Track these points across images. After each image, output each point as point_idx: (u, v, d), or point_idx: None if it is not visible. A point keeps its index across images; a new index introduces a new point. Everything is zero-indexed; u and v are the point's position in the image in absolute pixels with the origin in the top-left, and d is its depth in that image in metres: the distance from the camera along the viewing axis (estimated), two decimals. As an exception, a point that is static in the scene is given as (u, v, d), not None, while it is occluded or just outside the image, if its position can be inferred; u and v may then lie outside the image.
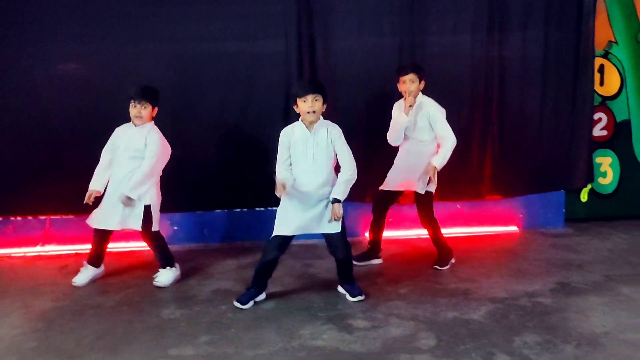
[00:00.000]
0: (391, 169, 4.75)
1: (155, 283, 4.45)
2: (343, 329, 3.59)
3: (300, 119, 3.96)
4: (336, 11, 5.22)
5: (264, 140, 5.32)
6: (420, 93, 4.55)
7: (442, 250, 4.72)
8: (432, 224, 4.69)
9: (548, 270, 4.57)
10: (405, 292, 4.19)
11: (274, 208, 5.47)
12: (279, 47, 5.25)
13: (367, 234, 4.97)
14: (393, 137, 4.63)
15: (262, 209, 5.56)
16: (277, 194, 3.92)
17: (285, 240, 4.01)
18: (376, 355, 3.24)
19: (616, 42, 5.78)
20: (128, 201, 4.30)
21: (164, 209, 5.35)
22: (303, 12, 5.19)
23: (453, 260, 4.74)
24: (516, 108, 5.48)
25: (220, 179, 5.40)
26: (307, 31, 5.23)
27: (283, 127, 5.28)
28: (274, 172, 4.04)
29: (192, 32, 5.20)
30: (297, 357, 3.25)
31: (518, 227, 5.75)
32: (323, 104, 3.89)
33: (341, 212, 3.91)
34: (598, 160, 5.92)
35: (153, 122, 4.46)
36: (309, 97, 3.81)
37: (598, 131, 5.88)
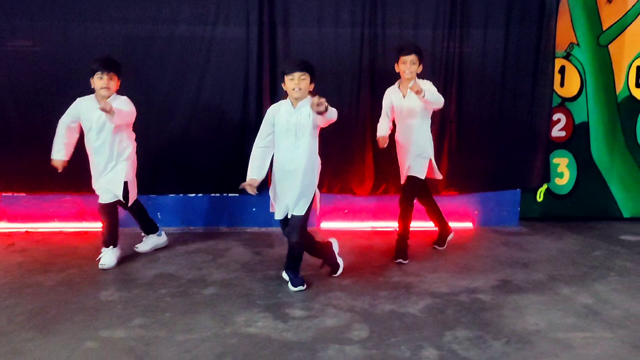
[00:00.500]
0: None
1: (101, 266, 4.42)
2: (278, 317, 3.59)
3: (287, 97, 3.93)
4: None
5: (219, 127, 5.30)
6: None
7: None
8: (410, 209, 4.74)
9: (493, 268, 4.60)
10: (348, 283, 4.19)
11: (230, 195, 5.53)
12: (240, 34, 5.21)
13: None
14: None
15: (218, 195, 5.54)
16: (249, 191, 3.95)
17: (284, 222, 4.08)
18: (306, 344, 3.24)
19: (578, 44, 5.80)
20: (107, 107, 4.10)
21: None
22: (265, -1, 5.16)
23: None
24: (474, 105, 5.48)
25: (176, 164, 5.37)
26: (269, 18, 5.19)
27: (241, 114, 5.32)
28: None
29: (148, 14, 5.15)
30: (227, 343, 3.24)
31: (473, 224, 5.78)
32: (310, 83, 3.88)
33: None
34: (555, 160, 5.96)
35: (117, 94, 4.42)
36: (296, 75, 3.78)
37: (556, 132, 5.91)
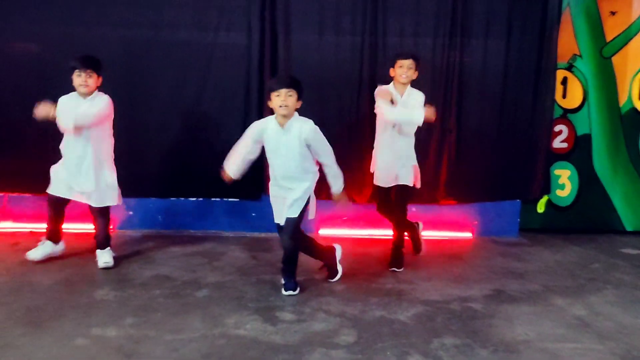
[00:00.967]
0: (378, 164, 4.72)
1: (105, 264, 4.51)
2: (268, 320, 3.62)
3: (274, 115, 3.95)
4: (299, 7, 5.25)
5: (219, 132, 5.36)
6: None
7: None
8: (404, 217, 4.75)
9: (488, 277, 4.60)
10: (341, 289, 4.22)
11: (229, 200, 5.59)
12: (242, 40, 5.28)
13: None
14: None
15: (217, 199, 5.60)
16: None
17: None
18: (292, 347, 3.27)
19: (580, 56, 5.81)
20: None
21: (149, 194, 5.43)
22: (267, 6, 5.23)
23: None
24: (474, 115, 5.50)
25: (175, 168, 5.44)
26: (270, 25, 5.27)
27: (242, 120, 5.37)
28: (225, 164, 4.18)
29: (150, 19, 5.25)
30: (214, 344, 3.28)
31: (472, 234, 5.78)
32: (298, 100, 3.87)
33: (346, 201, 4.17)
34: (557, 172, 5.96)
35: (98, 91, 4.44)
36: (282, 92, 3.78)
37: (558, 143, 5.91)
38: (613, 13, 5.74)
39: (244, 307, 3.82)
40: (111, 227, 5.41)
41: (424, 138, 5.43)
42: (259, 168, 5.40)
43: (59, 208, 4.60)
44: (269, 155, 4.02)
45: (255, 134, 4.02)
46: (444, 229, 5.75)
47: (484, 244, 5.58)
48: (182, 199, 5.58)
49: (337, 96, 5.35)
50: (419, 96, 4.52)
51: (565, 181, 6.00)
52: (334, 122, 5.21)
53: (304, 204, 4.02)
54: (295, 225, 4.02)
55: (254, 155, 4.12)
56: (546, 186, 5.78)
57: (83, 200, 4.51)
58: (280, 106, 3.81)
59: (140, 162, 5.26)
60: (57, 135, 4.74)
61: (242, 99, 5.36)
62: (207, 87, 5.30)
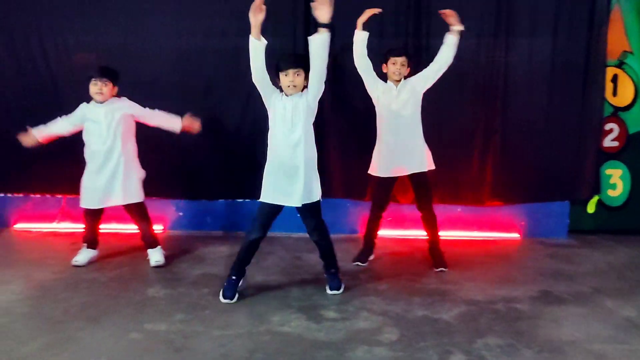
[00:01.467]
0: (378, 153, 4.68)
1: (156, 263, 4.72)
2: (312, 318, 3.70)
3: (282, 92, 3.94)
4: (342, 11, 5.28)
5: (265, 135, 5.45)
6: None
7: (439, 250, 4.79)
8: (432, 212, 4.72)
9: (535, 279, 4.55)
10: (384, 288, 4.26)
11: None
12: (287, 45, 5.37)
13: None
14: None
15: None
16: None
17: (269, 217, 4.04)
18: (335, 344, 3.34)
19: (632, 52, 5.66)
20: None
21: (170, 195, 5.61)
22: (309, 11, 5.29)
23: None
24: (521, 115, 5.43)
25: (223, 170, 5.59)
26: (314, 30, 5.32)
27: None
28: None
29: (200, 28, 5.42)
30: (260, 340, 3.38)
31: (519, 235, 5.72)
32: (305, 79, 3.87)
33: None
34: (608, 172, 5.82)
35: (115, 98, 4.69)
36: (290, 71, 3.80)
37: (609, 142, 5.77)
38: (666, 8, 5.59)
39: (289, 306, 3.91)
40: (161, 227, 5.65)
41: (468, 138, 5.43)
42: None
43: (95, 217, 4.82)
44: (273, 124, 3.95)
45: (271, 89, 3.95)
46: (489, 230, 5.70)
47: (531, 245, 5.51)
48: (230, 200, 5.72)
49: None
50: (414, 79, 4.60)
51: (616, 181, 5.86)
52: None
53: (319, 187, 3.99)
54: (319, 212, 4.03)
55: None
56: (596, 186, 5.66)
57: (115, 204, 4.71)
58: (289, 86, 3.83)
59: (190, 164, 5.43)
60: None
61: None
62: (255, 92, 5.40)
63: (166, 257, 4.82)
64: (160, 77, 5.40)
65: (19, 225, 5.84)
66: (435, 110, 5.15)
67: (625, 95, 5.74)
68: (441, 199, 5.37)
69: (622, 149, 5.81)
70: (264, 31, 5.35)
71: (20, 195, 5.84)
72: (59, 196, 5.80)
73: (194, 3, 5.38)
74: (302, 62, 3.87)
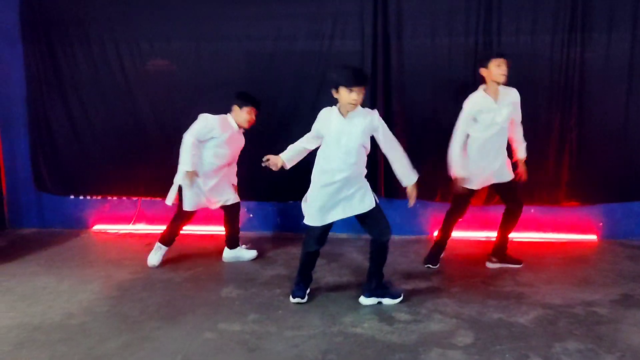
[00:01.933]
0: (467, 166, 4.58)
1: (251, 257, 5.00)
2: (384, 320, 3.69)
3: (337, 106, 3.84)
4: (410, 10, 5.27)
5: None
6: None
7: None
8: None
9: (615, 281, 4.37)
10: (457, 291, 4.19)
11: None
12: (355, 47, 5.39)
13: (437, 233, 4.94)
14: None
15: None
16: (272, 166, 4.15)
17: (323, 231, 3.97)
18: (409, 347, 3.31)
19: None
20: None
21: (240, 197, 5.73)
22: (379, 12, 5.30)
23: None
24: (598, 113, 5.22)
25: (294, 172, 5.61)
26: (383, 31, 5.33)
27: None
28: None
29: (270, 32, 5.50)
30: (332, 341, 3.40)
31: (597, 236, 5.50)
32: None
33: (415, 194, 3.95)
34: (695, 170, 5.52)
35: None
36: (356, 89, 3.67)
37: (691, 139, 5.48)
38: None
39: (361, 307, 3.91)
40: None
41: (543, 137, 5.27)
42: (373, 172, 5.50)
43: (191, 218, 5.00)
44: (326, 144, 3.89)
45: (322, 119, 3.93)
46: (565, 231, 5.52)
47: (610, 246, 5.29)
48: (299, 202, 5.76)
49: (453, 98, 5.29)
50: (515, 95, 4.50)
51: (702, 179, 5.55)
52: (446, 125, 5.16)
53: (371, 192, 3.95)
54: (383, 214, 3.96)
55: (312, 146, 4.07)
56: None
57: (217, 206, 4.92)
58: (352, 103, 3.72)
59: (260, 168, 5.49)
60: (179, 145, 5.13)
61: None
62: (322, 94, 5.44)
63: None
64: (232, 81, 5.51)
65: (98, 227, 6.09)
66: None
67: None
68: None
69: None
70: (332, 34, 5.44)
71: (99, 197, 6.09)
72: (135, 198, 6.01)
73: (264, 7, 5.48)
74: (368, 81, 3.89)
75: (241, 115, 4.75)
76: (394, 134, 5.41)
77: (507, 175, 4.59)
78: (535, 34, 5.17)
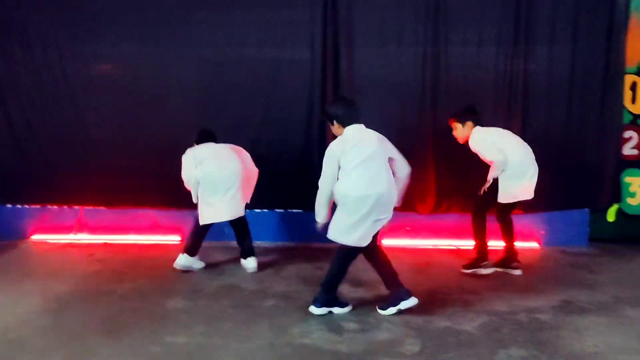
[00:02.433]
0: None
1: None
2: (333, 329, 3.68)
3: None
4: (360, 20, 5.32)
5: (284, 145, 5.47)
6: None
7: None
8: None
9: (556, 288, 4.50)
10: (405, 299, 4.23)
11: (295, 210, 5.70)
12: (305, 54, 5.40)
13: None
14: None
15: (283, 210, 5.72)
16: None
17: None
18: (357, 356, 3.32)
19: (650, 60, 5.63)
20: None
21: (187, 207, 5.63)
22: (329, 21, 5.33)
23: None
24: (540, 123, 5.40)
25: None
26: (333, 40, 5.36)
27: (304, 133, 5.47)
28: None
29: (219, 38, 5.45)
30: (281, 352, 3.36)
31: (539, 244, 5.67)
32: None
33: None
34: (627, 180, 5.77)
35: None
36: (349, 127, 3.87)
37: (628, 150, 5.73)
38: (683, 15, 5.55)
39: (311, 317, 3.89)
40: (179, 238, 5.65)
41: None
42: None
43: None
44: (350, 168, 3.81)
45: (337, 155, 3.84)
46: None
47: (551, 254, 5.46)
48: (248, 211, 5.71)
49: (399, 107, 5.39)
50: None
51: (636, 189, 5.80)
52: (396, 133, 5.21)
53: None
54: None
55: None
56: (616, 194, 5.60)
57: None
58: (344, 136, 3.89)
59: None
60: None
61: (305, 112, 5.48)
62: (273, 101, 5.43)
63: (185, 269, 4.85)
64: (181, 87, 5.44)
65: (37, 237, 5.86)
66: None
67: (644, 102, 5.71)
68: (462, 209, 5.34)
69: (642, 157, 5.76)
70: (282, 42, 5.43)
71: (38, 206, 5.86)
72: (77, 207, 5.82)
73: (214, 13, 5.42)
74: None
75: None
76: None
77: None
78: (481, 46, 5.30)
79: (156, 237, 5.74)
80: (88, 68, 5.53)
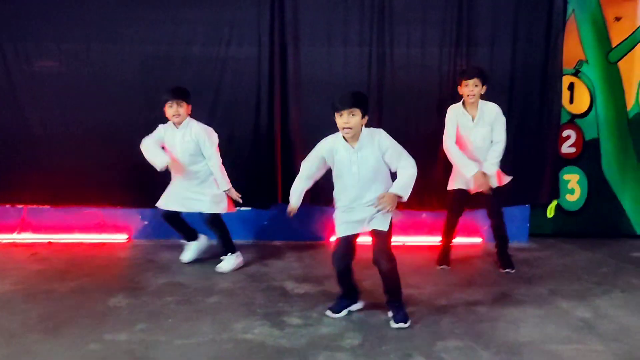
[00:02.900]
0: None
1: (217, 268, 4.82)
2: (275, 325, 3.72)
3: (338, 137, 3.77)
4: (307, 20, 5.37)
5: (232, 143, 5.46)
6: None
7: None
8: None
9: (496, 282, 4.64)
10: (348, 294, 4.30)
11: (242, 209, 5.70)
12: (252, 53, 5.42)
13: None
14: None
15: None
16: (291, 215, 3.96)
17: (349, 247, 3.87)
18: (298, 351, 3.36)
19: (587, 61, 5.85)
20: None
21: (133, 205, 5.57)
22: (276, 19, 5.36)
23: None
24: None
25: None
26: (280, 38, 5.40)
27: (252, 132, 5.48)
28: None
29: (165, 35, 5.42)
30: (222, 348, 3.38)
31: (482, 239, 5.82)
32: (363, 117, 3.63)
33: (392, 204, 3.66)
34: (566, 177, 5.98)
35: (189, 117, 4.76)
36: (345, 112, 3.56)
37: (566, 148, 5.94)
38: (618, 19, 5.78)
39: (253, 313, 3.92)
40: (126, 236, 5.60)
41: (432, 145, 5.50)
42: (271, 178, 5.54)
43: (171, 221, 4.94)
44: (339, 175, 3.79)
45: (324, 151, 3.79)
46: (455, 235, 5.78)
47: (493, 249, 5.59)
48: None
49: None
50: (494, 110, 4.74)
51: (574, 186, 6.02)
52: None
53: (390, 216, 3.79)
54: (389, 240, 3.81)
55: (315, 180, 3.97)
56: (555, 191, 5.80)
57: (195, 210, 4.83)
58: (344, 128, 3.61)
59: (155, 173, 5.39)
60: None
61: (253, 110, 5.49)
62: (220, 100, 5.41)
63: (130, 267, 4.80)
64: (126, 85, 5.39)
65: (-22, 237, 5.72)
66: (400, 117, 5.32)
67: (581, 102, 5.92)
68: (407, 205, 5.40)
69: (579, 155, 5.98)
70: (229, 41, 5.44)
71: (-21, 205, 5.72)
72: (20, 206, 5.70)
73: (160, 10, 5.38)
74: (358, 102, 3.61)
75: (167, 112, 4.70)
76: (289, 139, 5.53)
77: None
78: (424, 47, 5.41)
79: (102, 236, 5.67)
80: (30, 65, 5.41)
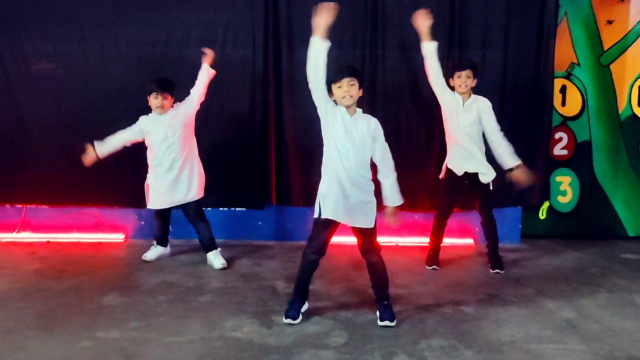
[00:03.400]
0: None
1: (221, 266, 4.97)
2: (264, 323, 3.80)
3: (338, 105, 3.71)
4: (299, 22, 5.44)
5: (226, 144, 5.55)
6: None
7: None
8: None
9: (484, 282, 4.71)
10: (338, 294, 4.38)
11: (237, 209, 5.79)
12: (247, 55, 5.51)
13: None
14: None
15: (225, 209, 5.80)
16: None
17: (327, 240, 3.84)
18: (284, 349, 3.44)
19: (578, 64, 5.91)
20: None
21: (130, 205, 5.65)
22: (270, 21, 5.44)
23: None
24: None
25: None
26: (274, 40, 5.47)
27: (247, 133, 5.56)
28: None
29: (160, 37, 5.53)
30: (211, 346, 3.46)
31: (474, 240, 5.89)
32: (359, 89, 3.66)
33: (397, 215, 3.84)
34: (558, 179, 6.05)
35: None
36: (344, 82, 3.59)
37: (558, 150, 6.01)
38: (610, 22, 5.84)
39: (243, 312, 3.99)
40: (123, 236, 5.70)
41: (424, 147, 5.59)
42: (265, 179, 5.62)
43: (163, 218, 5.11)
44: (336, 140, 3.68)
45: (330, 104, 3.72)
46: (446, 236, 5.81)
47: (485, 250, 5.65)
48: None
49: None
50: (485, 103, 4.81)
51: (566, 187, 6.09)
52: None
53: (375, 209, 3.82)
54: (376, 238, 3.86)
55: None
56: (547, 193, 5.86)
57: (180, 203, 4.96)
58: (344, 97, 3.60)
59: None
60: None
61: (247, 111, 5.58)
62: (215, 101, 5.49)
63: (125, 266, 4.88)
64: (121, 86, 5.48)
65: (-23, 235, 5.83)
66: (392, 119, 5.42)
67: (573, 105, 5.99)
68: (400, 206, 5.49)
69: (571, 157, 6.05)
70: (224, 42, 5.53)
71: (-22, 204, 5.83)
72: (19, 206, 5.81)
73: (155, 12, 5.48)
74: (355, 72, 3.68)
75: (151, 102, 4.82)
76: (283, 139, 5.61)
77: None
78: (417, 50, 5.44)
79: (100, 235, 5.77)
80: (28, 66, 5.52)
